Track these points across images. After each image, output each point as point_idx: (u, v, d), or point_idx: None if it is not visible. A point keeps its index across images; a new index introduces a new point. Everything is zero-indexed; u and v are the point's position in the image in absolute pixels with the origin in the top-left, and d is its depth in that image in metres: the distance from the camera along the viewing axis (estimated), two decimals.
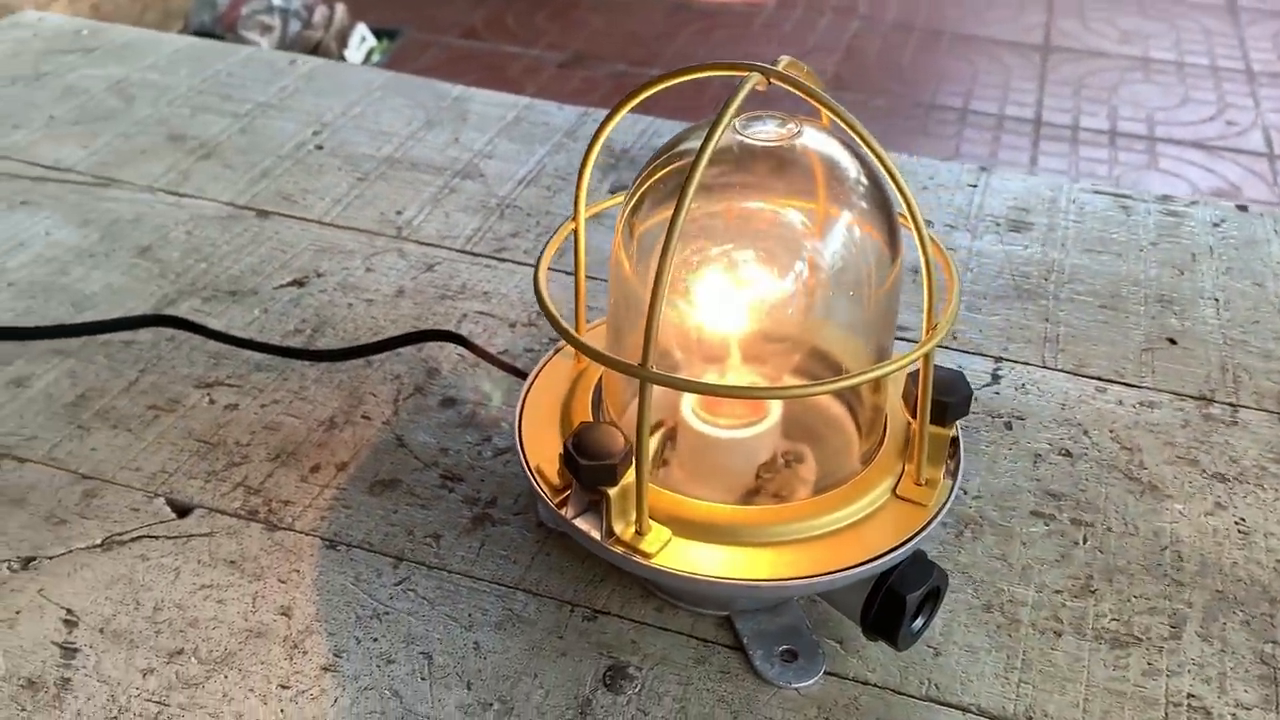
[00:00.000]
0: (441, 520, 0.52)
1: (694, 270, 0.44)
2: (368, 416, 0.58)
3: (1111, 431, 0.58)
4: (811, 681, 0.45)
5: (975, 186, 0.79)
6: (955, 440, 0.46)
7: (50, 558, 0.50)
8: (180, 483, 0.54)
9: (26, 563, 0.50)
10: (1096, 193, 0.79)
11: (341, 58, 2.35)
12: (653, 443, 0.46)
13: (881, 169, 0.40)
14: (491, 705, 0.44)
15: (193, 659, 0.46)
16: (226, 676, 0.45)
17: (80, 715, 0.43)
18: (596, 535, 0.43)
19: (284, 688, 0.45)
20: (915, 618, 0.45)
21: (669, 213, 0.38)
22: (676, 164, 0.43)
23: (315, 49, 2.35)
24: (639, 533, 0.42)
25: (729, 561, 0.42)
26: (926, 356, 0.42)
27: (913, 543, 0.43)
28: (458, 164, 0.80)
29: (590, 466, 0.41)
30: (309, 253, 0.71)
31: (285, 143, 0.82)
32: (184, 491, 0.54)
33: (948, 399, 0.44)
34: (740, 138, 0.43)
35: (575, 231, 0.48)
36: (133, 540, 0.51)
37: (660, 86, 0.42)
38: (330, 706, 0.44)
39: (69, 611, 0.47)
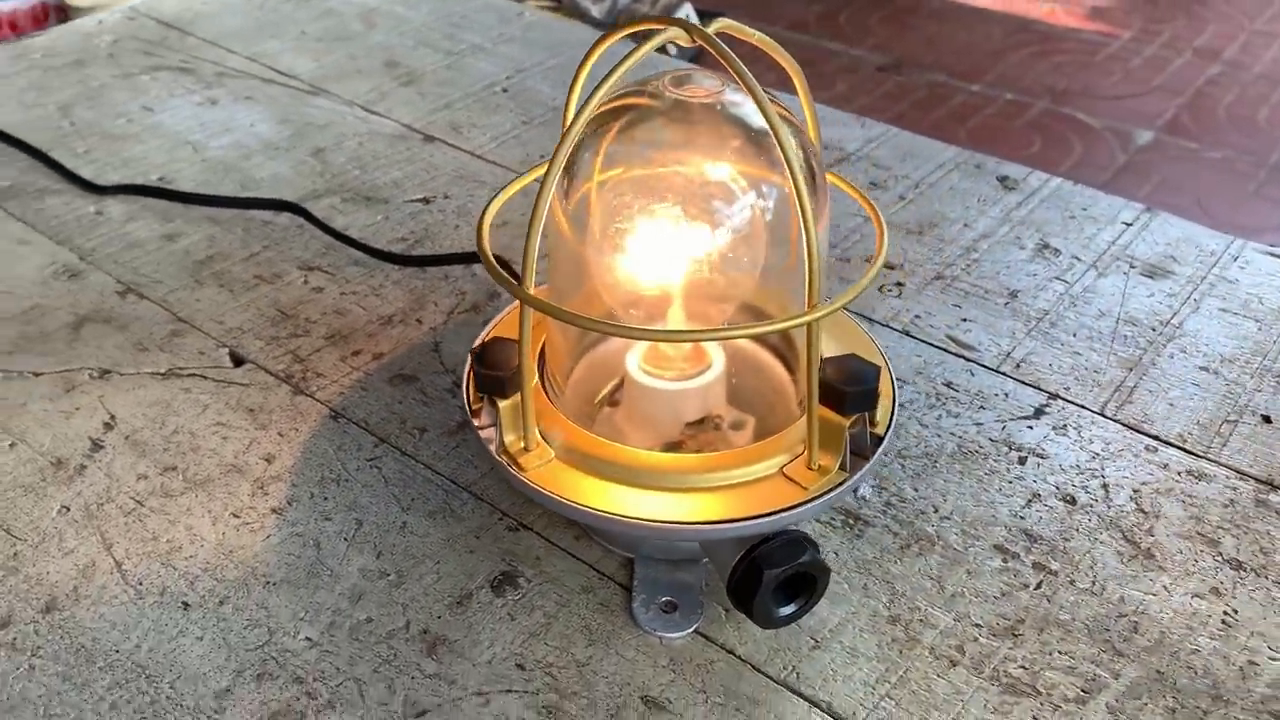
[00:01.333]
0: (433, 418, 0.57)
1: (624, 224, 0.46)
2: (420, 320, 0.64)
3: (1135, 492, 0.54)
4: (676, 635, 0.46)
5: (1130, 225, 0.73)
6: (871, 436, 0.45)
7: (121, 374, 0.60)
8: (247, 341, 0.62)
9: (103, 374, 0.60)
10: (1270, 254, 0.71)
11: None
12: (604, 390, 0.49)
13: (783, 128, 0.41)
14: (388, 575, 0.49)
15: (180, 476, 0.53)
16: (196, 496, 0.52)
17: (79, 495, 0.52)
18: (492, 445, 0.46)
19: (235, 516, 0.51)
20: (782, 599, 0.44)
21: (599, 174, 0.41)
22: (609, 122, 0.45)
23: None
24: (525, 449, 0.45)
25: (594, 491, 0.44)
26: (810, 327, 0.42)
27: (770, 520, 0.43)
28: None
29: (486, 375, 0.44)
30: (447, 177, 0.78)
31: (478, 82, 0.90)
32: (247, 348, 0.62)
33: (846, 388, 0.43)
34: (671, 94, 0.44)
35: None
36: (187, 376, 0.60)
37: (603, 47, 0.44)
38: (261, 540, 0.50)
39: (112, 417, 0.57)
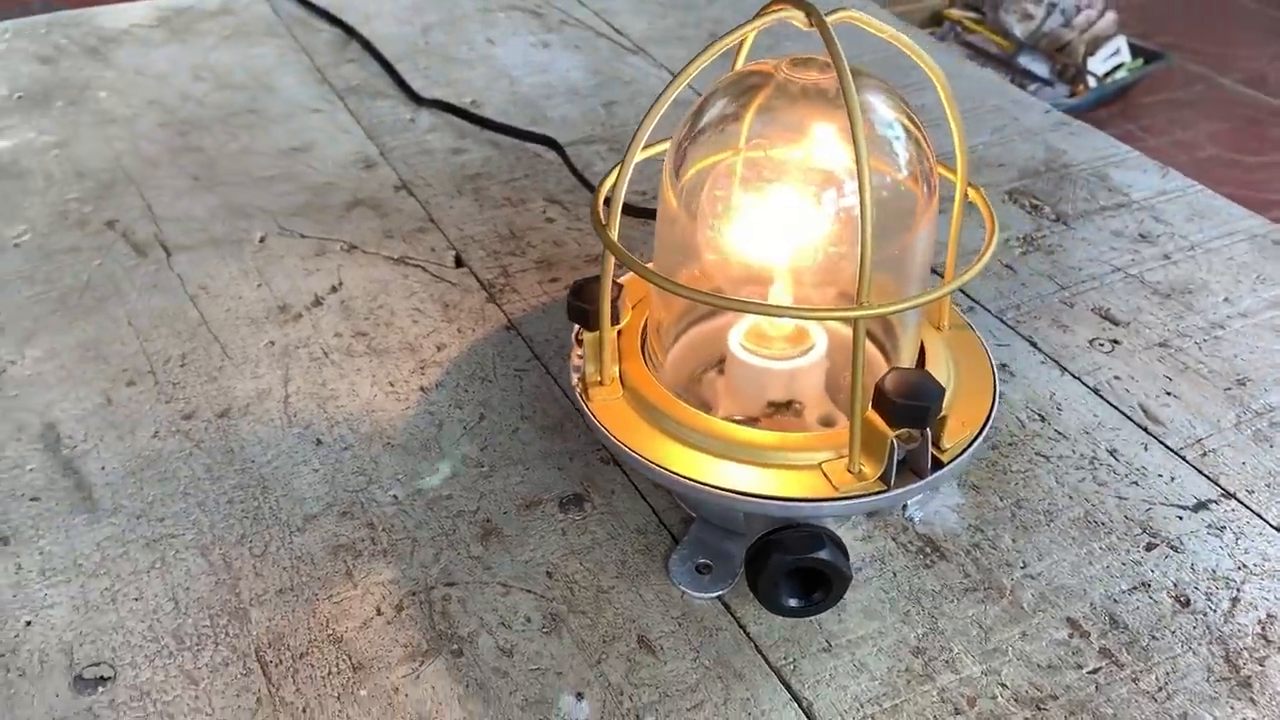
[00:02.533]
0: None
1: (730, 201, 0.47)
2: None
3: (1269, 618, 0.48)
4: (699, 595, 0.48)
5: None
6: (934, 460, 0.44)
7: (364, 252, 0.69)
8: (473, 249, 0.70)
9: (350, 248, 0.70)
10: None
11: (1084, 64, 2.32)
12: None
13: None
14: (482, 466, 0.54)
15: (365, 342, 0.62)
16: (369, 361, 0.60)
17: (285, 336, 0.62)
18: (576, 373, 0.50)
19: (390, 384, 0.59)
20: (791, 588, 0.45)
21: (713, 155, 0.43)
22: (721, 101, 0.47)
23: (1062, 48, 2.35)
24: (600, 383, 0.48)
25: (638, 435, 0.46)
26: (856, 324, 0.41)
27: (781, 506, 0.43)
28: None
29: (573, 305, 0.48)
30: None
31: None
32: (470, 255, 0.70)
33: (896, 398, 0.42)
34: (785, 75, 0.45)
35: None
36: (413, 265, 0.68)
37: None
38: (400, 409, 0.57)
39: (339, 283, 0.66)
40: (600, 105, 0.86)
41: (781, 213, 0.47)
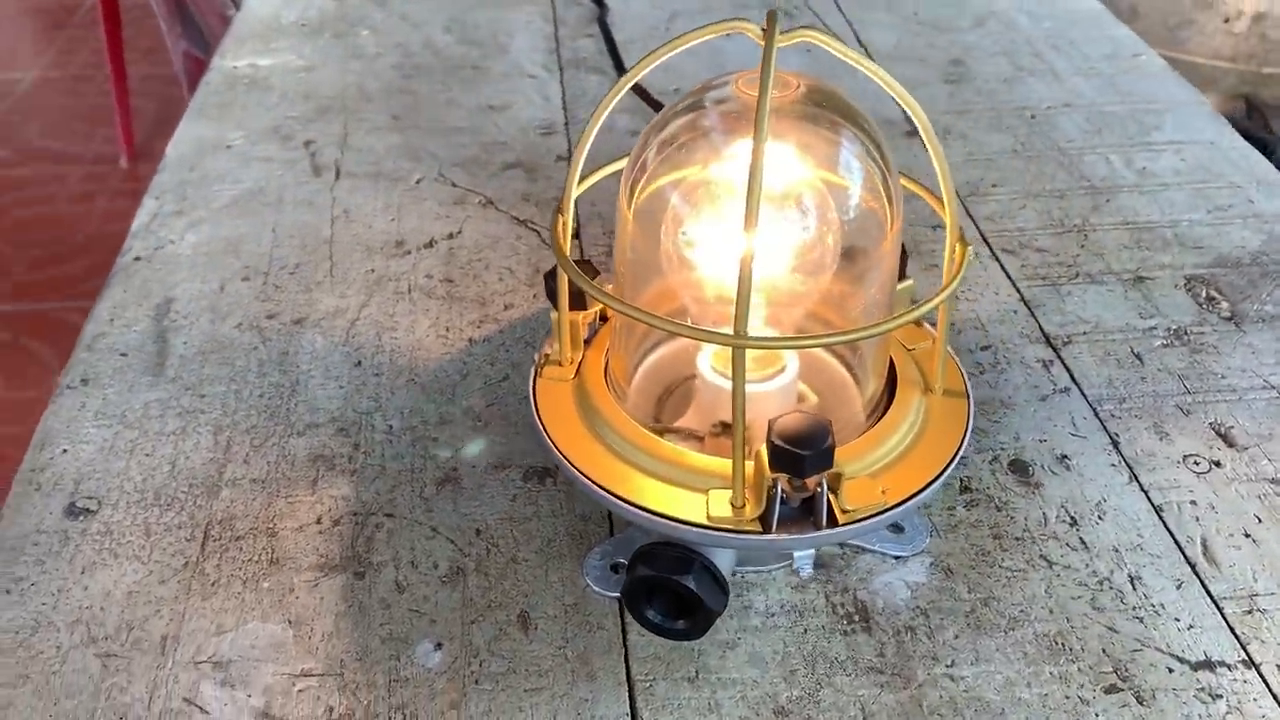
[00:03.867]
0: None
1: (698, 222, 0.46)
2: None
3: None
4: (601, 590, 0.48)
5: None
6: (830, 514, 0.41)
7: (498, 209, 0.74)
8: (593, 228, 0.72)
9: (487, 204, 0.74)
10: None
11: None
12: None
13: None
14: (485, 425, 0.56)
15: (450, 290, 0.66)
16: (442, 306, 0.65)
17: (387, 267, 0.68)
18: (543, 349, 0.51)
19: (445, 329, 0.63)
20: (655, 604, 0.44)
21: (671, 174, 0.43)
22: (676, 122, 0.45)
23: None
24: (558, 363, 0.49)
25: (565, 422, 0.47)
26: (735, 352, 0.39)
27: (641, 516, 0.43)
28: None
29: (548, 285, 0.49)
30: None
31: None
32: (591, 232, 0.72)
33: (772, 437, 0.40)
34: (742, 93, 0.43)
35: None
36: (527, 228, 0.72)
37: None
38: (441, 350, 0.61)
39: (459, 232, 0.71)
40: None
41: (730, 232, 0.45)
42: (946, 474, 0.45)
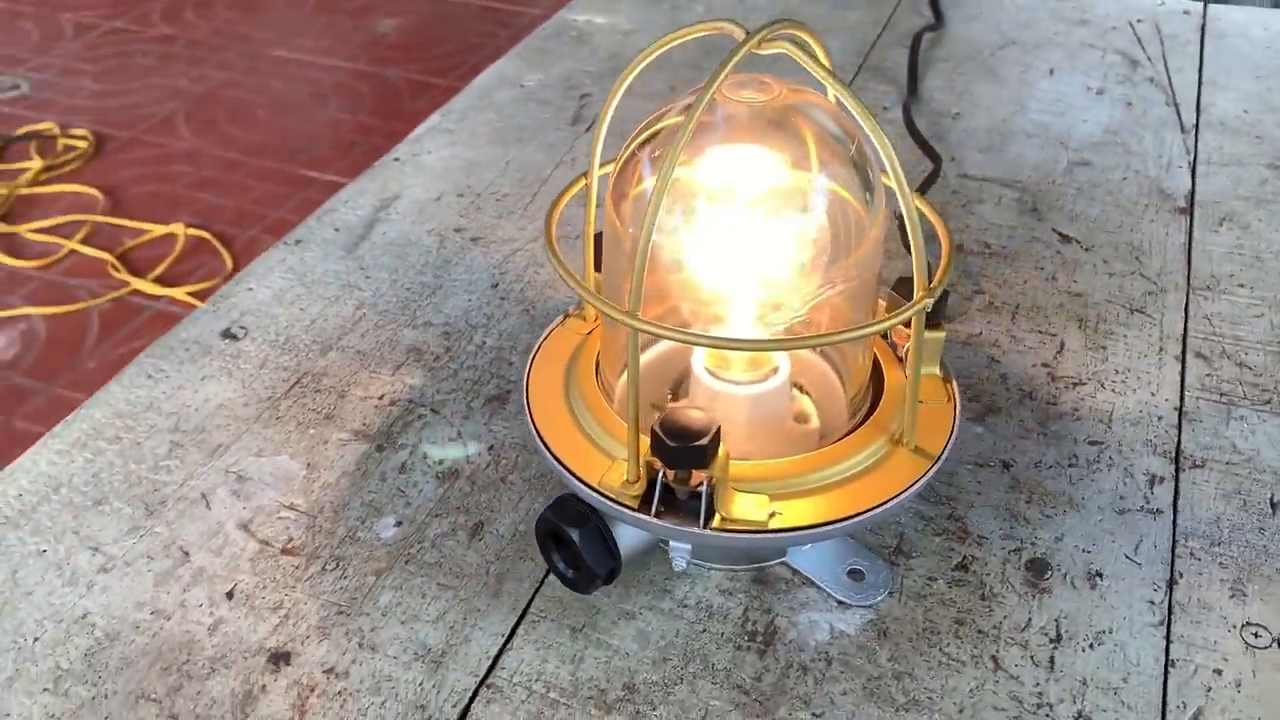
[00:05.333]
0: None
1: (689, 228, 0.46)
2: None
3: None
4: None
5: None
6: (702, 506, 0.42)
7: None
8: None
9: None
10: None
11: None
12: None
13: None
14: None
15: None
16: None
17: (467, 221, 0.74)
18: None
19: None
20: (561, 552, 0.46)
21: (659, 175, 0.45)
22: (663, 125, 0.45)
23: None
24: (582, 318, 0.53)
25: (545, 376, 0.50)
26: (632, 333, 0.41)
27: (563, 472, 0.45)
28: None
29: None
30: None
31: None
32: None
33: (656, 426, 0.41)
34: (730, 99, 0.43)
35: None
36: None
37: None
38: (501, 310, 0.66)
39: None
40: (1071, 162, 0.79)
41: (716, 234, 0.46)
42: (845, 526, 0.44)
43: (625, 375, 0.51)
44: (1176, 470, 0.55)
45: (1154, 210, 0.74)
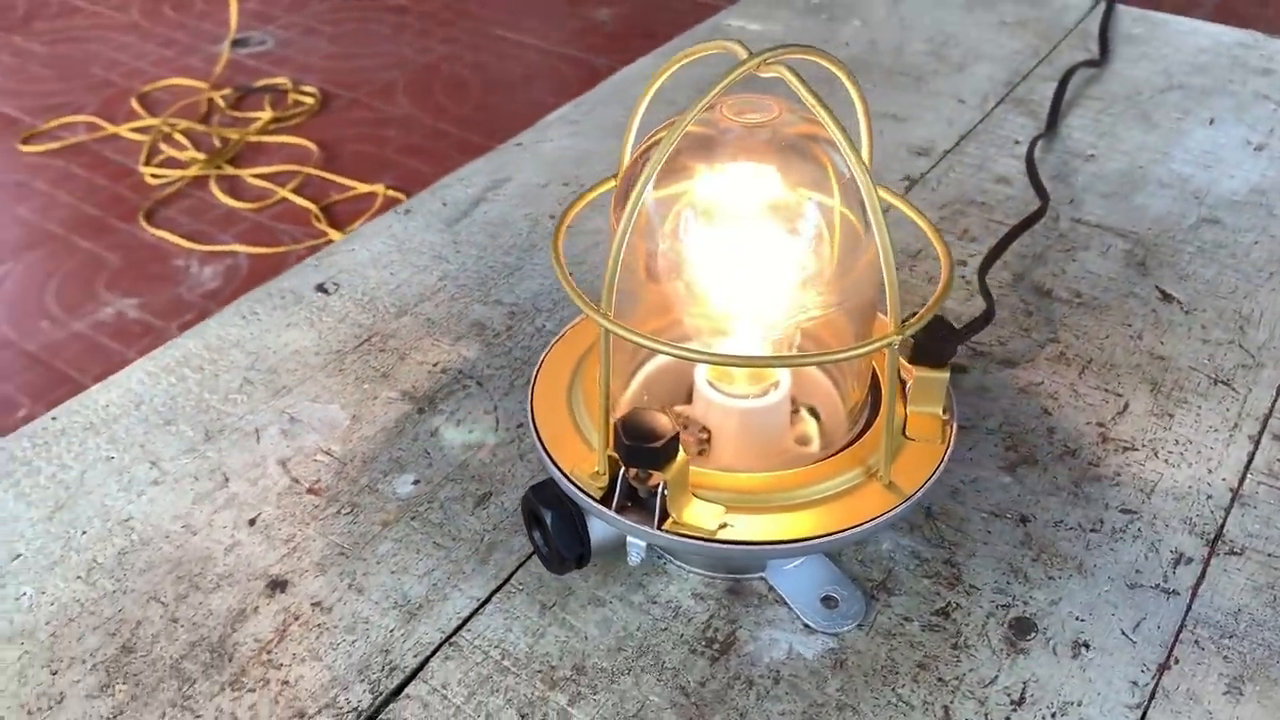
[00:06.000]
0: None
1: (680, 243, 0.47)
2: None
3: None
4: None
5: None
6: (656, 505, 0.44)
7: None
8: None
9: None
10: None
11: None
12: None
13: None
14: None
15: None
16: None
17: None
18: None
19: None
20: (539, 528, 0.49)
21: (660, 192, 0.46)
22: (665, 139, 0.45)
23: None
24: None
25: (555, 365, 0.53)
26: (603, 334, 0.42)
27: (544, 461, 0.47)
28: None
29: None
30: None
31: None
32: None
33: (618, 423, 0.42)
34: (730, 119, 0.43)
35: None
36: None
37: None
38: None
39: None
40: (1201, 219, 0.75)
41: (709, 249, 0.47)
42: (792, 549, 0.44)
43: (632, 380, 0.53)
44: (1209, 554, 0.52)
45: (1277, 280, 0.69)
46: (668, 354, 0.42)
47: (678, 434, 0.43)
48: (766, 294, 0.46)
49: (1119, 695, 0.46)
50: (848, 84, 0.46)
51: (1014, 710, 0.45)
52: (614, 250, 0.41)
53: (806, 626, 0.48)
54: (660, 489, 0.43)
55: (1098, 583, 0.50)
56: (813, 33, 1.01)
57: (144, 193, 2.11)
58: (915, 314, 0.45)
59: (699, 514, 0.44)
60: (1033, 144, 0.81)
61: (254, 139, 2.26)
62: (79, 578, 0.51)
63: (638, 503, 0.45)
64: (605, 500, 0.45)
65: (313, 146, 2.24)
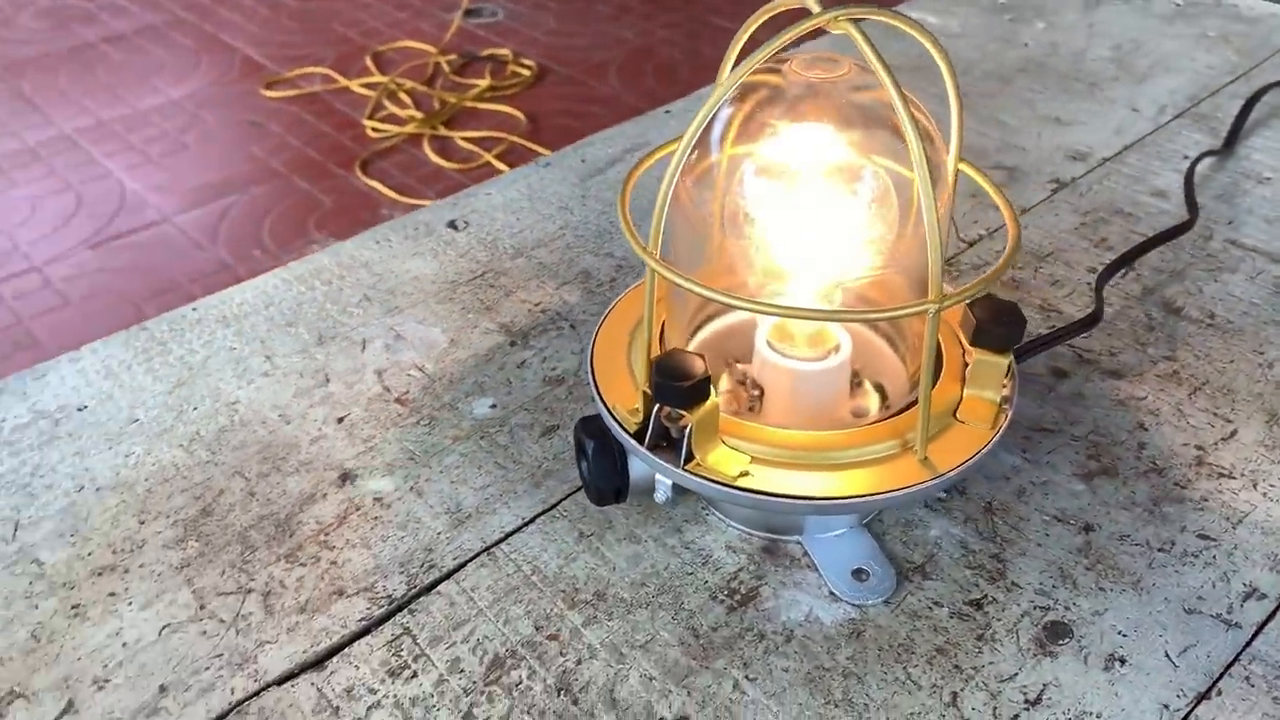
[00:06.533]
0: None
1: (744, 201, 0.47)
2: None
3: None
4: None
5: None
6: (684, 446, 0.45)
7: None
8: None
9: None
10: None
11: None
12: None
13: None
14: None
15: None
16: None
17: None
18: None
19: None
20: (584, 461, 0.50)
21: (726, 150, 0.47)
22: (732, 102, 0.45)
23: None
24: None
25: (618, 320, 0.54)
26: (652, 271, 0.44)
27: (598, 402, 0.49)
28: None
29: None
30: None
31: None
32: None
33: (655, 360, 0.44)
34: (798, 75, 0.43)
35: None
36: None
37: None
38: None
39: None
40: None
41: (789, 210, 0.47)
42: (810, 506, 0.44)
43: (695, 335, 0.54)
44: None
45: None
46: (698, 294, 0.43)
47: (708, 377, 0.44)
48: (816, 250, 0.47)
49: (1145, 715, 0.44)
50: (933, 52, 0.45)
51: (1026, 709, 0.44)
52: (663, 191, 0.43)
53: (832, 595, 0.48)
54: (688, 430, 0.44)
55: (1151, 601, 0.48)
56: (991, 31, 0.98)
57: (364, 144, 2.25)
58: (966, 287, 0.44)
59: (721, 459, 0.45)
60: (1199, 158, 0.77)
61: (470, 104, 2.38)
62: (181, 446, 0.56)
63: (669, 443, 0.46)
64: (639, 436, 0.46)
65: (521, 116, 2.33)
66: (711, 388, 0.44)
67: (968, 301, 0.48)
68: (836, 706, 0.44)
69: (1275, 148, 0.80)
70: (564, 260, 0.69)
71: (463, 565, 0.50)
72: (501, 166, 2.15)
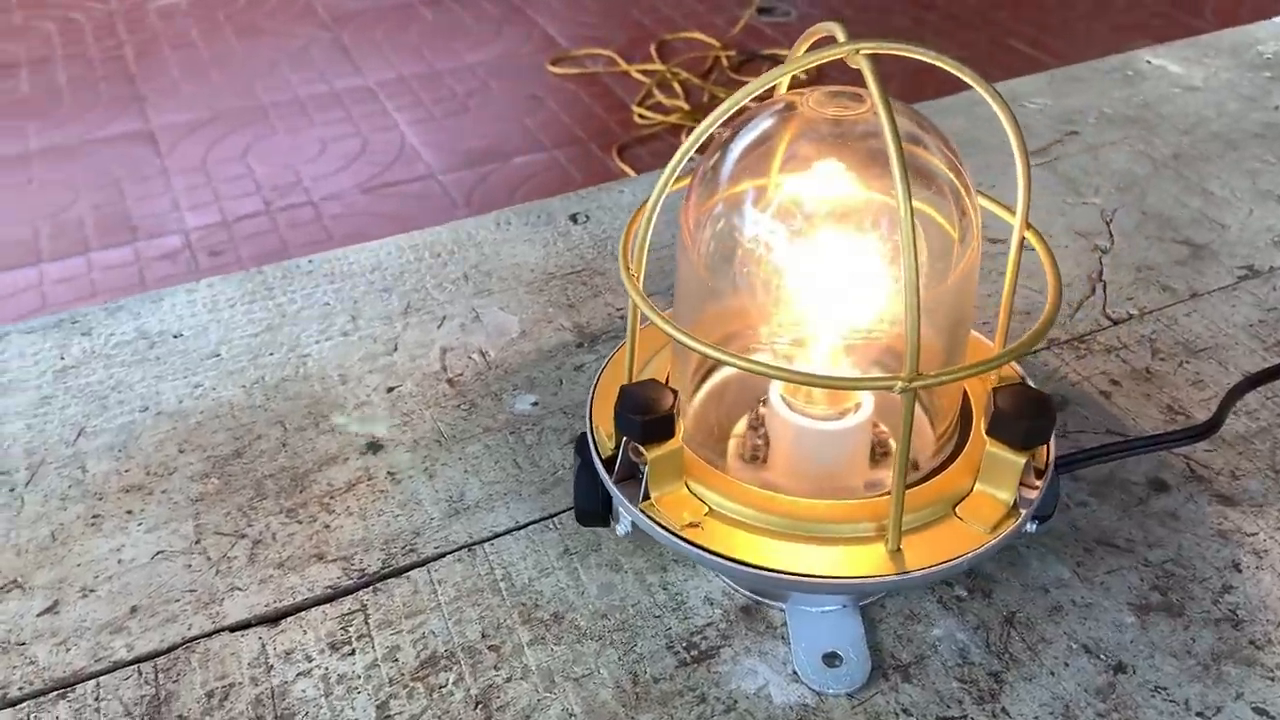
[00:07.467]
0: None
1: (771, 250, 0.43)
2: None
3: None
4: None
5: None
6: (642, 483, 0.42)
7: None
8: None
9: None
10: None
11: None
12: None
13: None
14: None
15: None
16: None
17: None
18: None
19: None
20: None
21: (731, 189, 0.43)
22: (742, 140, 0.41)
23: None
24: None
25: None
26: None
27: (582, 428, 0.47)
28: None
29: None
30: None
31: None
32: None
33: (627, 389, 0.41)
34: (814, 111, 0.39)
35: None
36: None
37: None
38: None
39: None
40: None
41: (804, 260, 0.43)
42: (740, 574, 0.40)
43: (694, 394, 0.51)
44: None
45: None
46: (669, 334, 0.40)
47: (671, 416, 0.41)
48: (819, 299, 0.43)
49: None
50: (987, 97, 0.40)
51: None
52: (646, 217, 0.40)
53: (795, 674, 0.44)
54: (643, 464, 0.42)
55: (1156, 671, 0.41)
56: (1237, 88, 0.86)
57: (628, 129, 2.30)
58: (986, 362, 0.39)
59: (677, 504, 0.42)
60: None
61: None
62: (243, 387, 0.59)
63: (636, 477, 0.44)
64: (608, 463, 0.44)
65: None
66: (677, 426, 0.41)
67: (992, 388, 0.42)
68: None
69: None
70: (663, 271, 0.67)
71: (441, 556, 0.50)
72: None
